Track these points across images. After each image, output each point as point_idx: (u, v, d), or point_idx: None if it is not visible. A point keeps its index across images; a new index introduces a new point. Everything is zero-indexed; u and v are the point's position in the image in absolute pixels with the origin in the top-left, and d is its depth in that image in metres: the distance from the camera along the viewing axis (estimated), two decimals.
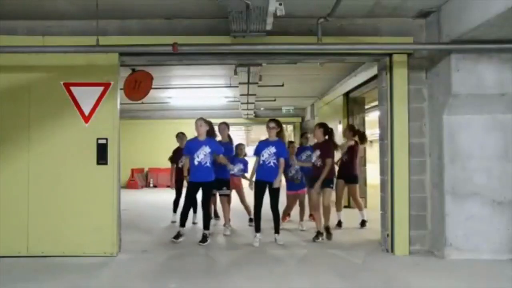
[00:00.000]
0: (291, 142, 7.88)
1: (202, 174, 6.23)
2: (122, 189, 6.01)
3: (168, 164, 8.27)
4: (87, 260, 5.30)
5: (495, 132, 5.32)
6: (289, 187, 7.34)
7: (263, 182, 6.21)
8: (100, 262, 5.24)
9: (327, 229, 6.55)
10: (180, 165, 7.49)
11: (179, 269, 5.11)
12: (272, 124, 6.30)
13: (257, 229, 6.23)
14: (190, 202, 6.41)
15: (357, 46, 5.49)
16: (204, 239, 6.25)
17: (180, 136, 8.01)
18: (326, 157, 6.39)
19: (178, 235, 6.35)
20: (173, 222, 7.81)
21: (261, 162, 6.22)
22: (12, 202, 5.48)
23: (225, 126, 7.17)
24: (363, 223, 7.42)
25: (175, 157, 7.88)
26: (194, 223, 7.76)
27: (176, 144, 8.12)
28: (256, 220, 6.26)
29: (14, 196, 5.48)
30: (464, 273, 4.82)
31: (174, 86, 10.77)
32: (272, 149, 6.19)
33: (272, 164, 6.18)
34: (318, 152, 6.45)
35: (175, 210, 7.98)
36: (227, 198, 7.08)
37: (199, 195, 6.46)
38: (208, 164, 6.22)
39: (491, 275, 4.74)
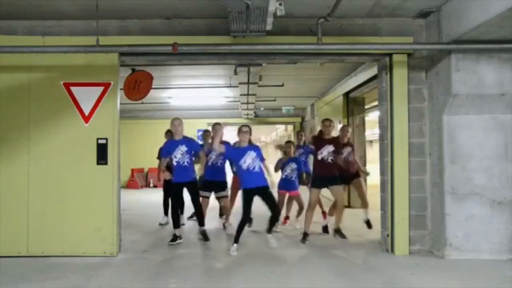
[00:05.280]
0: (288, 142, 7.76)
1: (181, 174, 6.18)
2: (122, 189, 6.01)
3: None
4: (87, 260, 5.30)
5: (495, 132, 5.32)
6: (281, 186, 7.22)
7: (253, 190, 5.76)
8: (100, 262, 5.24)
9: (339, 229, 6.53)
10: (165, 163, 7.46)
11: (179, 269, 5.11)
12: (246, 129, 5.95)
13: (237, 240, 5.81)
14: (177, 203, 6.36)
15: (357, 46, 5.49)
16: (205, 237, 6.26)
17: (169, 135, 7.48)
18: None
19: (175, 238, 6.25)
20: (161, 224, 7.73)
21: (244, 168, 5.76)
22: (12, 202, 5.48)
23: (220, 126, 7.04)
24: (368, 223, 7.17)
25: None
26: (181, 224, 7.59)
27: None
28: (239, 231, 5.81)
29: (14, 196, 5.48)
30: (464, 273, 4.82)
31: (174, 86, 10.77)
32: (253, 154, 5.80)
33: (257, 169, 5.80)
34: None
35: (166, 213, 7.84)
36: (226, 199, 6.99)
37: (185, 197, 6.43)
38: (186, 163, 6.15)
39: (491, 275, 4.74)
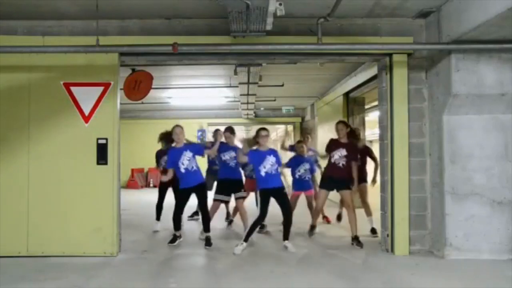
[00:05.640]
0: (300, 142, 7.58)
1: (191, 179, 6.11)
2: (122, 189, 6.01)
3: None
4: (87, 260, 5.31)
5: (495, 132, 5.33)
6: (296, 187, 7.20)
7: (270, 190, 5.88)
8: (100, 262, 5.24)
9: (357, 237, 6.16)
10: (160, 168, 7.32)
11: (179, 269, 5.11)
12: (265, 132, 5.98)
13: (247, 239, 5.87)
14: (182, 209, 6.25)
15: (357, 46, 5.49)
16: (208, 242, 6.15)
17: (163, 138, 7.28)
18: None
19: (174, 238, 6.23)
20: (155, 231, 7.32)
21: (263, 174, 5.87)
22: (12, 202, 5.48)
23: (230, 133, 6.91)
24: (373, 231, 6.94)
25: (158, 159, 7.50)
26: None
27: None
28: (251, 230, 5.91)
29: (14, 196, 5.49)
30: (464, 273, 4.82)
31: (174, 86, 10.77)
32: (272, 159, 5.92)
33: (275, 172, 5.95)
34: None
35: (158, 218, 7.47)
36: (242, 201, 6.79)
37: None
38: (195, 168, 6.13)
39: (491, 275, 4.75)
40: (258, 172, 5.93)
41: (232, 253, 5.66)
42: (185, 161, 6.06)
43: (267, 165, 5.90)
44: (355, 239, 6.11)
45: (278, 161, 6.03)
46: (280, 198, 5.94)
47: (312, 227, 6.59)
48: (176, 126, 6.25)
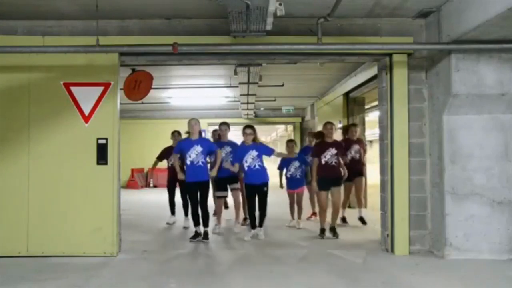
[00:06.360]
0: (291, 141, 7.95)
1: (194, 173, 6.29)
2: (122, 189, 6.01)
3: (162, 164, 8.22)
4: (87, 260, 5.30)
5: (495, 132, 5.32)
6: (289, 185, 7.56)
7: (253, 185, 6.46)
8: (100, 262, 5.24)
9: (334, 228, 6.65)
10: (169, 164, 7.67)
11: (179, 269, 5.11)
12: (249, 131, 6.53)
13: (254, 226, 6.60)
14: (196, 202, 6.42)
15: (357, 46, 5.49)
16: (205, 236, 6.35)
17: (175, 134, 7.85)
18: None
19: (196, 235, 6.44)
20: (169, 224, 7.79)
21: (246, 167, 6.40)
22: (12, 202, 5.48)
23: (226, 127, 7.20)
24: (361, 220, 7.44)
25: (164, 155, 7.89)
26: (184, 227, 7.49)
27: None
28: (252, 220, 6.60)
29: (14, 196, 5.48)
30: (464, 273, 4.82)
31: (174, 86, 10.78)
32: (254, 153, 6.42)
33: (258, 166, 6.41)
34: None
35: (173, 212, 7.97)
36: (238, 192, 7.14)
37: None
38: (200, 163, 6.28)
39: (491, 275, 4.74)
40: (242, 165, 6.47)
41: (228, 254, 5.81)
42: (193, 154, 6.26)
43: (249, 159, 6.41)
44: (332, 230, 6.57)
45: (263, 152, 6.53)
46: (259, 193, 6.47)
47: (323, 230, 6.65)
48: (191, 119, 6.48)
